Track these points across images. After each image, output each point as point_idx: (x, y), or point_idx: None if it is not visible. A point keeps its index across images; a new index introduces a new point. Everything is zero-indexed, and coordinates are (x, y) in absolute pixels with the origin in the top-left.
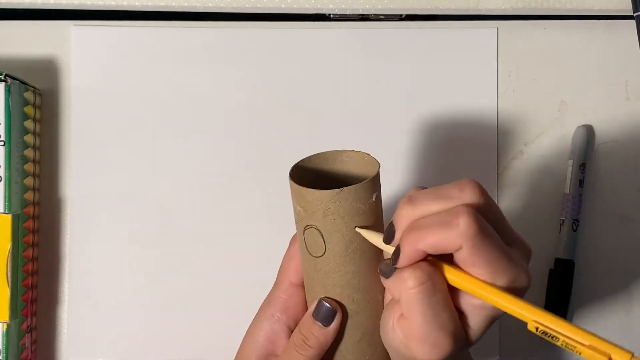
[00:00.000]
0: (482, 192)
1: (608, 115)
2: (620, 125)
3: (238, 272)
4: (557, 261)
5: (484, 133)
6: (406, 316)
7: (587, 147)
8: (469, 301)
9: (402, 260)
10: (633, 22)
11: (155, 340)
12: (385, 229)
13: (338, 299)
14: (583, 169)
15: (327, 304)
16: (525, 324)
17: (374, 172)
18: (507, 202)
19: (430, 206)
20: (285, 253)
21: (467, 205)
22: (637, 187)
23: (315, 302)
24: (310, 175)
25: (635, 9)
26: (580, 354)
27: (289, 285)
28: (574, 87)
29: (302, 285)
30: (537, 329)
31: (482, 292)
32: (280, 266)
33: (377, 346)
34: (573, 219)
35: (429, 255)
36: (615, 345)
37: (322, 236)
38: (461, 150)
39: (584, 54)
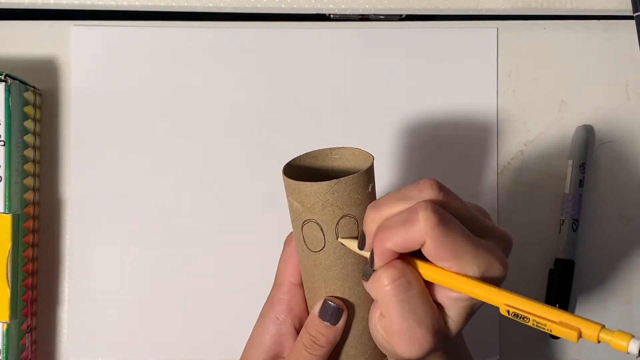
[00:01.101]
0: (441, 188)
1: (608, 115)
2: (620, 125)
3: (238, 272)
4: (557, 261)
5: (484, 133)
6: (384, 314)
7: (587, 147)
8: (446, 294)
9: (376, 262)
10: (633, 22)
11: (155, 340)
12: (359, 236)
13: (339, 292)
14: (583, 169)
15: (333, 303)
16: (524, 326)
17: (367, 165)
18: (507, 202)
19: (392, 208)
20: (281, 254)
21: (425, 200)
22: (637, 187)
23: (320, 303)
24: (302, 173)
25: (635, 9)
26: (551, 331)
27: (290, 286)
28: (574, 87)
29: (302, 285)
30: (508, 312)
31: (452, 282)
32: (278, 268)
33: None
34: (573, 219)
35: (403, 253)
36: (584, 319)
37: (322, 229)
38: (461, 150)
39: (584, 54)
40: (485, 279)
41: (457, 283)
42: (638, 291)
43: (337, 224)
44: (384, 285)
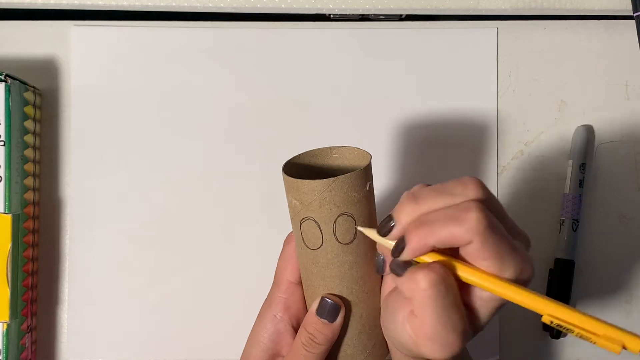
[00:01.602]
0: (485, 188)
1: (608, 115)
2: (620, 125)
3: (238, 271)
4: (557, 261)
5: (484, 133)
6: (417, 315)
7: (587, 147)
8: (478, 294)
9: (407, 253)
10: (633, 22)
11: (155, 340)
12: (381, 222)
13: (337, 291)
14: (583, 169)
15: (330, 300)
16: (526, 320)
17: (366, 163)
18: (507, 202)
19: (434, 203)
20: (281, 253)
21: (476, 200)
22: (637, 187)
23: (318, 300)
24: (302, 172)
25: (635, 9)
26: (595, 343)
27: (288, 285)
28: (574, 87)
29: (301, 283)
30: (551, 322)
31: (494, 287)
32: (277, 267)
33: (376, 338)
34: (573, 219)
35: (434, 249)
36: (629, 332)
37: (319, 227)
38: (461, 150)
39: (584, 54)
40: (518, 281)
41: (499, 288)
42: (638, 291)
43: (335, 222)
44: (422, 289)
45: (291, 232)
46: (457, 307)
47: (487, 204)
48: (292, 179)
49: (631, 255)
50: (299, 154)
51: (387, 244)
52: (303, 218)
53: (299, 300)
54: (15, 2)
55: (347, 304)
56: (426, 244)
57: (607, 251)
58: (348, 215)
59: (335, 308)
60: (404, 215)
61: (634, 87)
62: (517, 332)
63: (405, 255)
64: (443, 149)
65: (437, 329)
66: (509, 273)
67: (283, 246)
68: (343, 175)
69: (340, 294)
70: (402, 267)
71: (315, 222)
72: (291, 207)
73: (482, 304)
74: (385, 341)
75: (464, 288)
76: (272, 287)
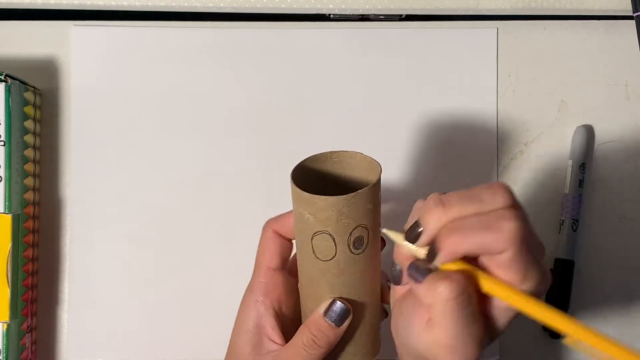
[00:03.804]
0: (513, 194)
1: (608, 115)
2: (620, 125)
3: (238, 272)
4: (557, 261)
5: (484, 133)
6: (437, 324)
7: (587, 147)
8: (496, 304)
9: (440, 259)
10: (633, 22)
11: (155, 340)
12: (408, 228)
13: (344, 296)
14: (583, 169)
15: (342, 303)
16: (526, 320)
17: (367, 169)
18: None
19: (463, 209)
20: (260, 240)
21: (511, 208)
22: (637, 187)
23: (328, 302)
24: (305, 177)
25: (635, 9)
26: None
27: (267, 270)
28: (574, 87)
29: (280, 269)
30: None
31: (517, 302)
32: (257, 253)
33: (373, 336)
34: (573, 219)
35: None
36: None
37: (334, 240)
38: (461, 150)
39: (584, 54)
40: (537, 291)
41: (523, 305)
42: (638, 291)
43: (350, 234)
44: (444, 299)
45: (270, 219)
46: (476, 318)
47: (520, 211)
48: (306, 194)
49: (631, 256)
50: (302, 161)
51: (412, 249)
52: (316, 232)
53: (278, 284)
54: (15, 2)
55: (354, 309)
56: (457, 251)
57: (607, 251)
58: (363, 227)
59: (345, 312)
60: (432, 222)
61: (634, 87)
62: (516, 332)
63: (437, 262)
64: (443, 149)
65: (458, 340)
66: (530, 284)
67: (262, 232)
68: (362, 190)
69: (348, 298)
70: (423, 274)
71: (330, 235)
72: (302, 221)
73: (500, 314)
74: (379, 336)
75: (482, 297)
76: (253, 273)
